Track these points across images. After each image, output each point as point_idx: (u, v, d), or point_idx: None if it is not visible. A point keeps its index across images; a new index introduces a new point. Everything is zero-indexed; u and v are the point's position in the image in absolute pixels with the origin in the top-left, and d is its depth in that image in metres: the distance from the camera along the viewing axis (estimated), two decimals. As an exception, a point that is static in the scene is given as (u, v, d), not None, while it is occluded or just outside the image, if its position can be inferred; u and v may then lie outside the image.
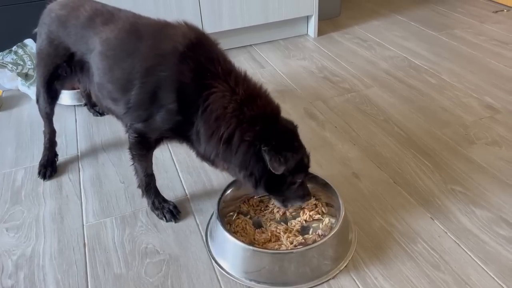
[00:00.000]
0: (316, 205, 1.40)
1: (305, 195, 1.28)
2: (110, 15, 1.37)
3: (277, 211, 1.40)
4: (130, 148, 1.36)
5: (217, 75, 1.20)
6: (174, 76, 1.20)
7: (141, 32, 1.29)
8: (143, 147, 1.34)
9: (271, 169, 1.15)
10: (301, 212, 1.39)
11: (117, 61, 1.29)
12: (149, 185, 1.42)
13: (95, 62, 1.34)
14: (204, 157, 1.28)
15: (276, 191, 1.25)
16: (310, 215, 1.37)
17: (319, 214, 1.38)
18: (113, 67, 1.29)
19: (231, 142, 1.17)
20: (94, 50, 1.33)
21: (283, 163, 1.14)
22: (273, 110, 1.22)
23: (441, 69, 2.29)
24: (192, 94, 1.19)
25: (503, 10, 3.02)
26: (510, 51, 2.44)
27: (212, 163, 1.28)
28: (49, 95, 1.58)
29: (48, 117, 1.64)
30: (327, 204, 1.41)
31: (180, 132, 1.26)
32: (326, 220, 1.36)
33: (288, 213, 1.40)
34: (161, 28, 1.29)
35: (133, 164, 1.40)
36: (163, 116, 1.23)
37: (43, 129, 1.68)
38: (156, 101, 1.23)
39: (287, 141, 1.19)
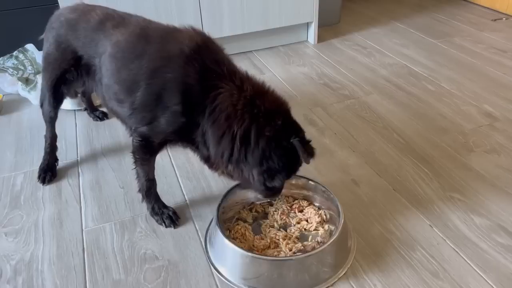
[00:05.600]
0: (319, 215, 1.40)
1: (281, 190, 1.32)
2: (121, 20, 1.39)
3: (281, 218, 1.40)
4: (133, 152, 1.36)
5: (223, 75, 1.20)
6: (180, 77, 1.20)
7: (149, 36, 1.30)
8: (146, 151, 1.34)
9: (303, 160, 1.17)
10: (300, 220, 1.39)
11: (125, 63, 1.29)
12: (149, 190, 1.42)
13: (104, 64, 1.35)
14: (208, 159, 1.27)
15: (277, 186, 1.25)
16: (309, 222, 1.37)
17: (319, 223, 1.37)
18: (120, 69, 1.30)
19: (248, 139, 1.16)
20: (104, 53, 1.34)
21: (313, 153, 1.18)
22: (284, 104, 1.23)
23: (440, 77, 2.30)
24: (198, 95, 1.19)
25: (502, 19, 3.04)
26: (509, 59, 2.45)
27: (216, 165, 1.27)
28: (55, 99, 1.58)
29: (51, 121, 1.64)
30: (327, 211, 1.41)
31: (185, 134, 1.26)
32: (326, 227, 1.36)
33: (287, 220, 1.40)
34: (169, 32, 1.30)
35: (135, 168, 1.40)
36: (168, 118, 1.23)
37: (44, 133, 1.67)
38: (161, 103, 1.23)
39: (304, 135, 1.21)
